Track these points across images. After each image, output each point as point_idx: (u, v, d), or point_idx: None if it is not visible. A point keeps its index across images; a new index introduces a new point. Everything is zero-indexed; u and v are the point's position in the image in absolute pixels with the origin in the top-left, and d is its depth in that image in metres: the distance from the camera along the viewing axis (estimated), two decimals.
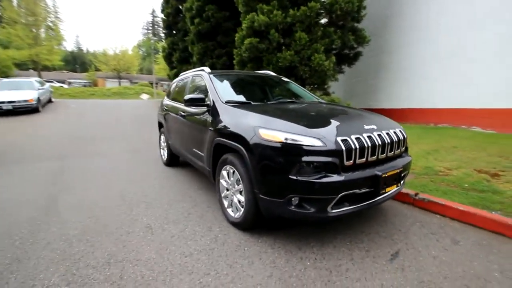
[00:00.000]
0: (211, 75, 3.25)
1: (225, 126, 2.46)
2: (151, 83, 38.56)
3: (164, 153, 4.70)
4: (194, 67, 11.50)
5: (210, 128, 2.71)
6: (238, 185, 2.36)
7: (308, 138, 1.89)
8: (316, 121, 2.18)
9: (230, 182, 2.47)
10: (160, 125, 4.91)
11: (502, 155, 3.90)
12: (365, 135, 2.03)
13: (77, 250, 2.12)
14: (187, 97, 2.91)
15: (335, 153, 1.88)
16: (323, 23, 7.15)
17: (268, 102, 3.01)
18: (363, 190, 1.97)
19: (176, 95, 4.16)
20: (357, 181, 1.91)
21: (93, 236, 2.33)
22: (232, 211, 2.50)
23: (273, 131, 1.99)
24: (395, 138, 2.22)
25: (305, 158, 1.86)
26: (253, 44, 6.93)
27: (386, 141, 2.12)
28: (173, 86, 4.53)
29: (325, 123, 2.12)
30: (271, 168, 1.96)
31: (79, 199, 3.17)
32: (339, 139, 1.91)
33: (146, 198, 3.17)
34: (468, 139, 5.05)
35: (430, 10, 7.29)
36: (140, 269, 1.88)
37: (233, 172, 2.39)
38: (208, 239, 2.26)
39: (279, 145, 1.92)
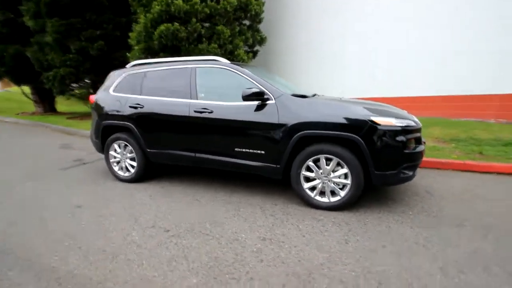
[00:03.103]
0: (245, 68, 3.01)
1: (318, 118, 2.55)
2: None
3: (127, 166, 3.58)
4: (46, 50, 8.24)
5: (284, 123, 2.64)
6: (335, 172, 2.59)
7: (406, 121, 2.51)
8: (385, 108, 2.79)
9: (322, 171, 2.62)
10: (109, 131, 3.64)
11: None
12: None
13: None
14: (248, 92, 2.64)
15: (420, 130, 2.64)
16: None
17: (308, 95, 3.21)
18: None
19: (165, 91, 3.29)
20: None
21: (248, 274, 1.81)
22: (322, 197, 2.68)
23: (384, 117, 2.44)
24: None
25: (411, 136, 2.49)
26: (172, 30, 6.16)
27: None
28: (141, 78, 3.47)
29: (392, 109, 2.80)
30: (390, 148, 2.42)
31: (98, 247, 2.09)
32: (416, 119, 2.68)
33: (206, 224, 2.49)
34: None
35: (298, 23, 9.40)
36: (349, 269, 1.82)
37: (328, 160, 2.58)
38: (337, 229, 2.33)
39: (394, 128, 2.42)
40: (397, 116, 2.56)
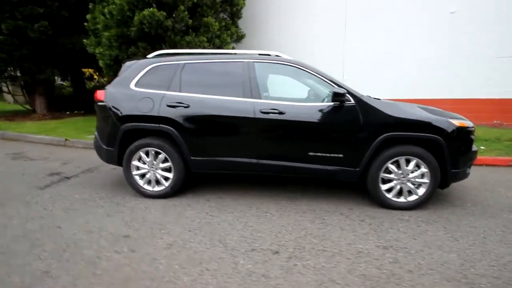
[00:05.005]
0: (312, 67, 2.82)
1: (403, 121, 2.60)
2: None
3: (157, 178, 2.95)
4: None
5: (368, 125, 2.60)
6: (413, 172, 2.67)
7: (468, 122, 2.78)
8: (440, 110, 3.02)
9: (401, 171, 2.66)
10: (132, 137, 2.92)
11: None
12: None
13: None
14: (339, 92, 2.50)
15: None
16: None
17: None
18: None
19: (213, 87, 2.81)
20: None
21: None
22: (398, 198, 2.74)
23: (459, 120, 2.65)
24: None
25: (473, 136, 2.77)
26: (157, 18, 5.33)
27: None
28: (178, 72, 2.87)
29: (443, 111, 3.06)
30: (464, 147, 2.65)
31: None
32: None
33: (311, 239, 2.28)
34: None
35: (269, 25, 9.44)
36: (488, 264, 1.89)
37: (407, 161, 2.65)
38: (433, 227, 2.41)
39: (465, 128, 2.65)
40: (459, 118, 2.80)
